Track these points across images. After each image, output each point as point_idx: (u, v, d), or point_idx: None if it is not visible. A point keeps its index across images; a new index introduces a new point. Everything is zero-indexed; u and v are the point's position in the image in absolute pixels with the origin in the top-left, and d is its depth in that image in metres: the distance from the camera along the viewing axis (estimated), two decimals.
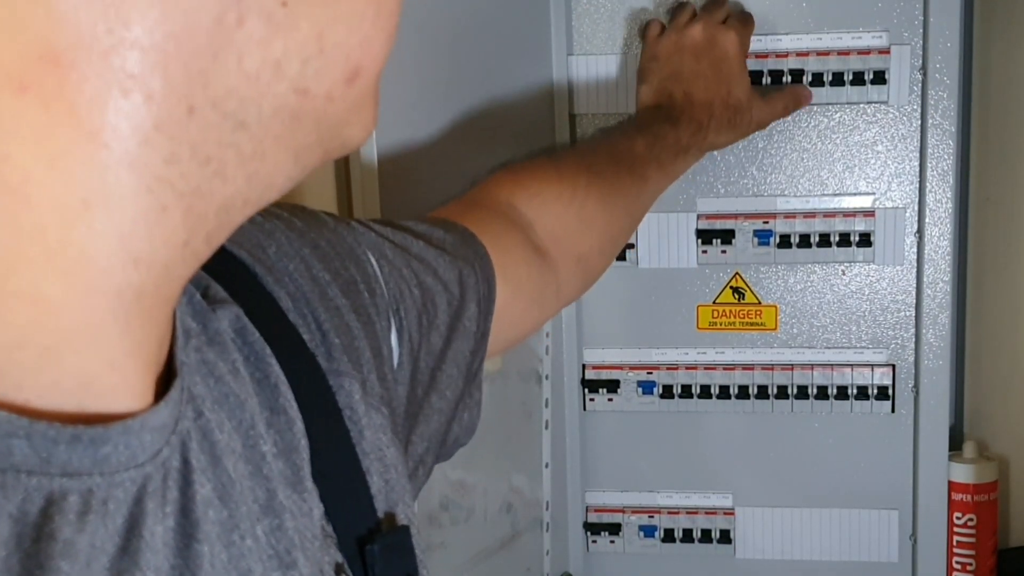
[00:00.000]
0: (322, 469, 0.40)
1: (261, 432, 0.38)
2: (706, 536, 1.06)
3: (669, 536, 1.06)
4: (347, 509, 0.41)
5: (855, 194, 0.99)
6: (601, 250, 0.82)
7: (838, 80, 0.97)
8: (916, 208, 0.99)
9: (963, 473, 1.03)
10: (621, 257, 1.02)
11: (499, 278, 0.64)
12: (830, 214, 0.99)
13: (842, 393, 1.01)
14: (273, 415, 0.40)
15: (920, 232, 0.99)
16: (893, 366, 1.01)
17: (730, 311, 1.03)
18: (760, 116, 0.93)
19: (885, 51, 0.96)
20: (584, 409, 1.06)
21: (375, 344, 0.49)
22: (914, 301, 1.00)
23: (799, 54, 0.97)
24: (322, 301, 0.46)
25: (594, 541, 1.08)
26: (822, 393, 1.01)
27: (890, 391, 1.01)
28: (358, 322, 0.48)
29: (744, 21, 0.93)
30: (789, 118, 0.98)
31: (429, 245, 0.59)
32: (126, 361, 0.29)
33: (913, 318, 1.00)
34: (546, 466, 1.03)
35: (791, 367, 1.02)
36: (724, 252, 1.01)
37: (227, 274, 0.41)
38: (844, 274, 1.01)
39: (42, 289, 0.27)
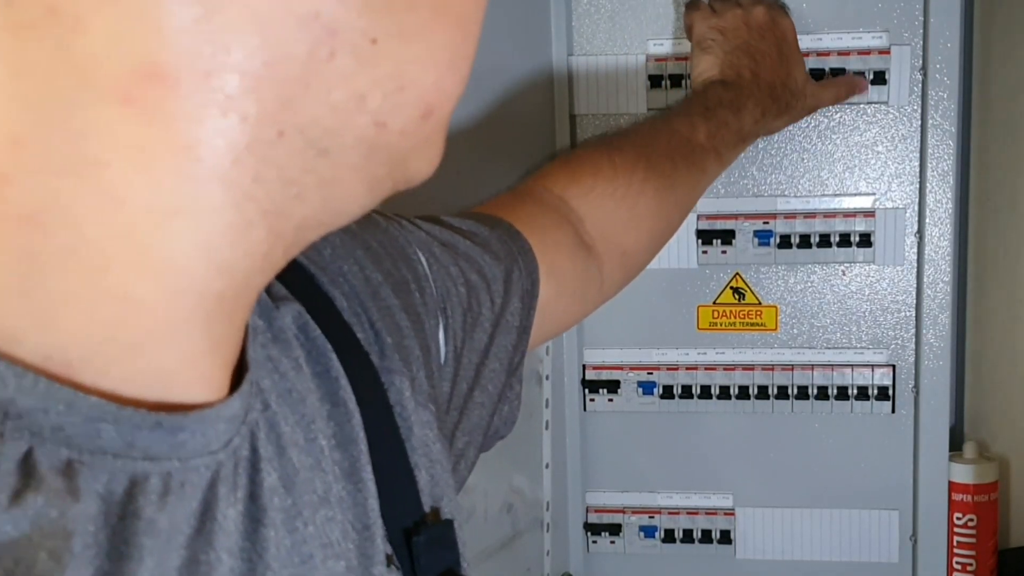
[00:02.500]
0: (374, 463, 0.42)
1: (320, 427, 0.40)
2: (706, 536, 1.06)
3: (669, 536, 1.06)
4: (396, 502, 0.43)
5: (855, 194, 0.99)
6: (648, 246, 0.81)
7: None
8: (916, 208, 0.99)
9: (963, 473, 1.03)
10: None
11: (543, 273, 0.65)
12: (830, 214, 0.99)
13: (842, 393, 1.01)
14: (333, 407, 0.42)
15: (920, 232, 0.99)
16: (893, 366, 1.01)
17: (730, 311, 1.03)
18: (814, 101, 0.92)
19: (885, 51, 0.96)
20: (584, 409, 1.06)
21: (424, 343, 0.51)
22: (914, 301, 1.00)
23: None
24: (374, 301, 0.48)
25: (594, 541, 1.08)
26: (822, 393, 1.01)
27: (890, 391, 1.01)
28: (408, 321, 0.50)
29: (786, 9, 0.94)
30: None
31: (474, 243, 0.60)
32: (205, 358, 0.31)
33: (913, 318, 1.00)
34: (546, 466, 1.03)
35: (791, 367, 1.02)
36: (724, 252, 1.01)
37: (286, 275, 0.42)
38: (844, 274, 1.01)
39: (131, 289, 0.28)
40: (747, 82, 0.86)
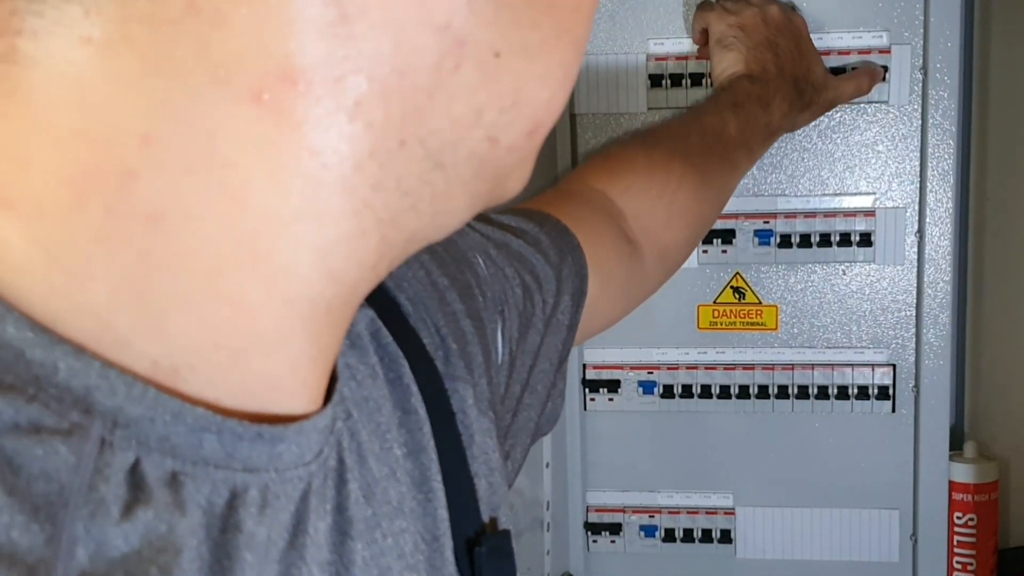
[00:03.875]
0: (445, 470, 0.42)
1: (395, 435, 0.40)
2: (706, 536, 1.06)
3: (670, 536, 1.06)
4: (458, 512, 0.42)
5: (855, 194, 0.99)
6: (687, 241, 0.82)
7: None
8: (916, 208, 0.99)
9: (963, 473, 1.03)
10: None
11: (590, 271, 0.65)
12: (831, 214, 0.99)
13: (842, 393, 1.01)
14: (405, 415, 0.41)
15: (920, 232, 0.99)
16: (894, 366, 1.01)
17: (731, 311, 1.03)
18: (835, 94, 0.93)
19: (885, 51, 0.96)
20: (584, 409, 1.06)
21: (486, 348, 0.50)
22: (914, 301, 1.00)
23: None
24: (440, 306, 0.48)
25: (595, 541, 1.08)
26: (822, 393, 1.01)
27: (891, 391, 1.01)
28: (472, 327, 0.49)
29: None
30: None
31: (526, 242, 0.60)
32: (308, 367, 0.31)
33: (913, 318, 1.00)
34: (547, 466, 1.03)
35: (792, 367, 1.02)
36: (725, 252, 1.01)
37: None
38: (845, 274, 1.01)
39: (245, 294, 0.28)
40: (773, 76, 0.87)
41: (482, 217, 0.60)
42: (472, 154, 0.30)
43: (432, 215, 0.31)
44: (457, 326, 0.48)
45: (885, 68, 0.96)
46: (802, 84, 0.88)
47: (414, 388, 0.42)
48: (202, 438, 0.28)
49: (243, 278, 0.28)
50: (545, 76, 0.31)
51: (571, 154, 1.02)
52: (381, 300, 0.44)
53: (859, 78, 0.94)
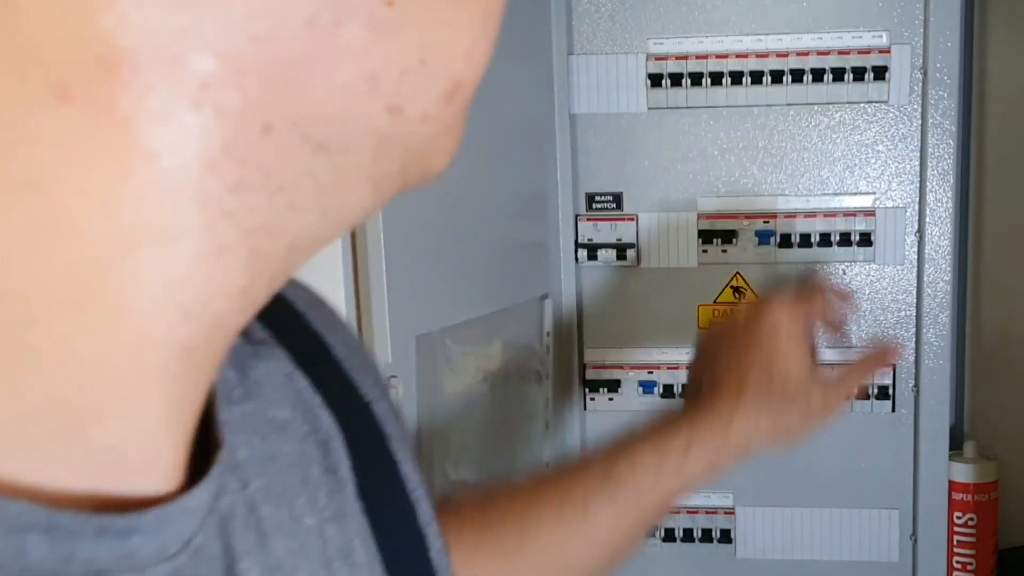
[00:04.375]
0: (381, 531, 0.35)
1: (306, 502, 0.33)
2: (706, 535, 1.06)
3: (669, 535, 1.06)
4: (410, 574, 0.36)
5: (855, 194, 0.99)
6: None
7: (838, 79, 0.97)
8: (916, 208, 0.99)
9: (963, 473, 1.03)
10: (622, 257, 1.02)
11: None
12: (831, 214, 0.99)
13: None
14: (323, 474, 0.34)
15: (920, 232, 0.99)
16: (893, 366, 1.01)
17: (731, 311, 1.03)
18: (825, 398, 0.74)
19: (885, 51, 0.96)
20: (584, 409, 1.06)
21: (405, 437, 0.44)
22: (914, 301, 1.00)
23: (799, 54, 0.97)
24: (365, 362, 0.41)
25: None
26: None
27: (890, 391, 1.01)
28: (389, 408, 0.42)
29: (806, 295, 0.77)
30: (789, 117, 0.98)
31: None
32: (162, 432, 0.24)
33: (913, 318, 1.00)
34: (546, 466, 1.03)
35: None
36: (725, 251, 1.01)
37: (268, 310, 0.32)
38: (845, 273, 1.01)
39: (71, 345, 0.22)
40: (704, 392, 0.71)
41: None
42: (368, 131, 0.24)
43: (321, 212, 0.25)
44: (384, 394, 0.41)
45: (881, 75, 0.96)
46: (751, 383, 0.71)
47: (334, 443, 0.35)
48: (24, 541, 0.21)
49: (68, 326, 0.21)
50: (458, 21, 0.25)
51: (571, 154, 1.02)
52: (302, 337, 0.37)
53: (863, 367, 0.81)
